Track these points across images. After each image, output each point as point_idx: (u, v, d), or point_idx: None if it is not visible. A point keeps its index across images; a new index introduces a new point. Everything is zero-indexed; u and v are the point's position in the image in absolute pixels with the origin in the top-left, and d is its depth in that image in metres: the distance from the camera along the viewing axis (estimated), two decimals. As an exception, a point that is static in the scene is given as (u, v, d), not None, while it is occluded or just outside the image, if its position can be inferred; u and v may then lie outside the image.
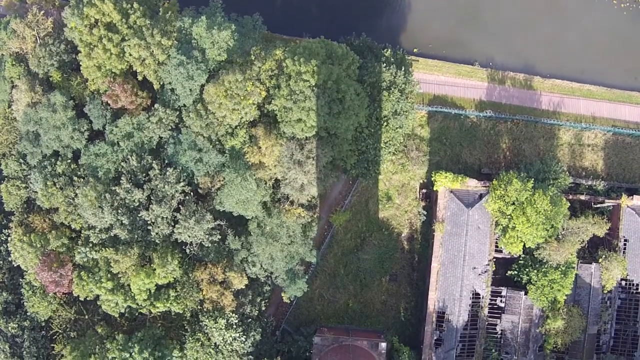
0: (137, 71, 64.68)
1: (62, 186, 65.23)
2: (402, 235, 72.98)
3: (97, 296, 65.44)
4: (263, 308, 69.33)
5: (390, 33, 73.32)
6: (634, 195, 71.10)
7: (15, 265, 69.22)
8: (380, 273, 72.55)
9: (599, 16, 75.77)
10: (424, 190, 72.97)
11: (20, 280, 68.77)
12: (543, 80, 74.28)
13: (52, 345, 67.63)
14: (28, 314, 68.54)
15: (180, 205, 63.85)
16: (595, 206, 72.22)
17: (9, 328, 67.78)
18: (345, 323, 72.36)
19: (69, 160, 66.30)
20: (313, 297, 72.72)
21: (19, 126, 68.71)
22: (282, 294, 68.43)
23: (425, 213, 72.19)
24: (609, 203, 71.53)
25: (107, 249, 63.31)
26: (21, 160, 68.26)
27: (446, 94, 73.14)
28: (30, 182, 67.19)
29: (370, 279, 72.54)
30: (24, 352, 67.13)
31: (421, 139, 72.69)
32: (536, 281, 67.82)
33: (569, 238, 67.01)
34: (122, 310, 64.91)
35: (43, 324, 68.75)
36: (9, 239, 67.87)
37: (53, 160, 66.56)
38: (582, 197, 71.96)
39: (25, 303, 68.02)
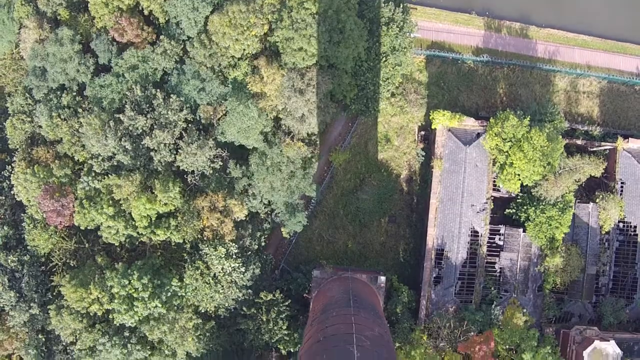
0: (143, 7, 66.61)
1: (67, 117, 66.46)
2: (401, 177, 73.81)
3: (98, 227, 65.96)
4: (263, 243, 69.69)
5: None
6: (630, 138, 72.17)
7: (17, 202, 70.03)
8: (379, 214, 73.10)
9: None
10: (422, 133, 74.06)
11: (22, 215, 69.30)
12: (538, 29, 76.06)
13: (51, 279, 67.68)
14: (28, 248, 68.87)
15: (183, 132, 64.88)
16: (591, 150, 73.13)
17: (9, 261, 67.88)
18: (344, 264, 72.51)
19: (74, 94, 67.68)
20: (312, 237, 73.15)
21: (26, 63, 70.46)
22: (282, 229, 68.89)
23: (424, 154, 73.14)
24: (605, 146, 72.48)
25: (109, 175, 64.17)
26: (27, 95, 69.63)
27: (444, 40, 74.88)
28: (36, 116, 68.40)
29: (370, 220, 73.06)
30: (23, 285, 67.15)
31: (419, 83, 74.11)
32: (534, 218, 68.27)
33: (565, 175, 67.76)
34: (122, 239, 65.16)
35: (43, 259, 68.93)
36: (12, 173, 68.78)
37: (58, 93, 67.93)
38: (579, 142, 73.02)
39: (25, 236, 68.38)
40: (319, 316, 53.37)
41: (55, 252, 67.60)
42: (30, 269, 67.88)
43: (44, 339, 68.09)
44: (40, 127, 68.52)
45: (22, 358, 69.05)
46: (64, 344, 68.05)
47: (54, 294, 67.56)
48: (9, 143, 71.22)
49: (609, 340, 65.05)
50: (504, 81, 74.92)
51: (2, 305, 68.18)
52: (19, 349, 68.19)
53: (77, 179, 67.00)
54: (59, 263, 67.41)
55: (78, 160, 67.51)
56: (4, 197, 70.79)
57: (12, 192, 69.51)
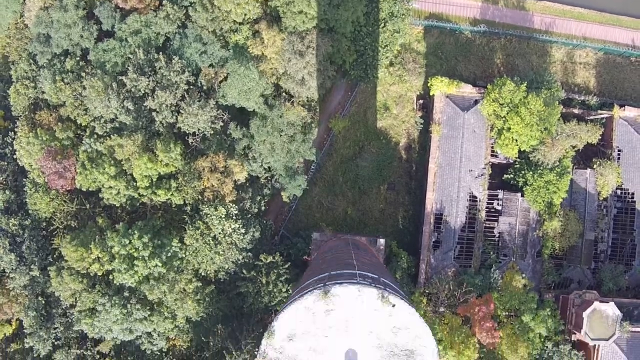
0: (147, -27, 67.98)
1: (70, 81, 67.37)
2: (400, 144, 74.49)
3: (99, 189, 66.50)
4: (263, 208, 70.09)
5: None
6: (626, 107, 73.01)
7: (19, 168, 70.68)
8: (378, 181, 73.64)
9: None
10: (421, 101, 74.90)
11: (24, 180, 69.84)
12: (535, 1, 77.27)
13: (52, 242, 67.97)
14: (30, 212, 69.27)
15: (185, 93, 65.72)
16: (588, 118, 73.89)
17: (10, 225, 68.24)
18: (344, 230, 72.75)
19: (78, 58, 68.70)
20: (312, 204, 73.60)
21: (30, 32, 71.64)
22: (282, 193, 69.37)
23: (422, 122, 73.90)
24: (601, 114, 73.25)
25: (111, 137, 64.88)
26: (31, 61, 70.66)
27: (442, 12, 76.00)
28: (39, 82, 69.34)
29: (369, 187, 73.58)
30: (24, 249, 67.45)
31: (418, 53, 75.13)
32: (532, 182, 68.81)
33: (563, 139, 68.46)
34: (123, 200, 65.60)
35: (44, 224, 69.31)
36: (15, 138, 69.47)
37: (62, 58, 68.95)
38: (575, 111, 73.84)
39: (27, 201, 68.86)
40: (318, 255, 53.68)
41: (57, 215, 67.97)
42: (32, 233, 68.26)
43: (43, 302, 68.24)
44: (43, 92, 69.43)
45: (22, 322, 69.10)
46: (63, 307, 68.20)
47: (55, 256, 67.87)
48: (12, 110, 72.08)
49: (608, 302, 65.22)
50: (501, 51, 75.99)
51: (2, 268, 68.48)
52: (19, 312, 68.27)
53: (79, 142, 67.73)
54: (60, 226, 67.78)
55: (80, 124, 68.31)
56: (6, 163, 71.41)
57: (14, 157, 70.20)
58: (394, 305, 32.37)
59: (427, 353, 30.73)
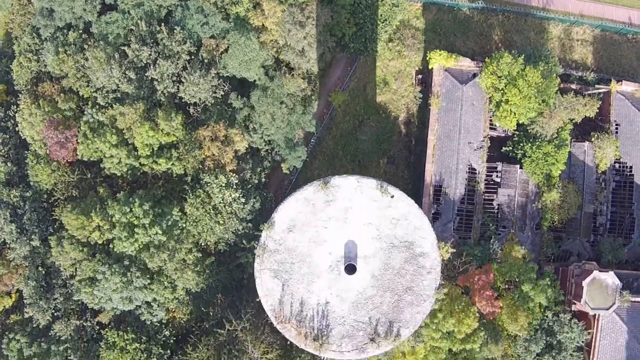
0: (149, -52, 68.99)
1: (73, 53, 68.08)
2: (399, 119, 75.05)
3: (100, 160, 66.92)
4: (263, 180, 70.46)
5: None
6: (623, 81, 73.64)
7: (21, 141, 71.11)
8: (378, 154, 74.08)
9: None
10: (420, 76, 75.60)
11: (26, 152, 70.26)
12: (531, -20, 78.40)
13: (52, 213, 68.22)
14: (31, 184, 69.63)
15: (186, 64, 66.40)
16: (586, 93, 74.47)
17: (11, 196, 68.54)
18: (343, 204, 73.03)
19: (81, 31, 69.52)
20: (312, 178, 73.56)
21: (33, 7, 72.51)
22: (282, 165, 69.78)
23: (421, 97, 74.51)
24: (599, 89, 73.84)
25: (113, 106, 65.43)
26: (34, 34, 71.47)
27: (440, -10, 77.03)
28: (42, 55, 70.08)
29: (369, 161, 74.01)
30: (25, 220, 67.66)
31: (416, 29, 75.99)
32: (530, 154, 69.31)
33: (561, 110, 69.03)
34: (125, 170, 65.95)
35: (45, 196, 69.58)
36: (17, 111, 69.98)
37: (65, 31, 69.77)
38: (573, 86, 74.46)
39: (29, 172, 69.24)
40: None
41: (58, 186, 68.26)
42: (33, 204, 68.52)
43: (43, 273, 68.33)
44: (45, 65, 70.14)
45: (22, 294, 69.07)
46: (63, 278, 68.27)
47: (55, 227, 68.08)
48: (15, 85, 72.71)
49: (608, 272, 65.24)
50: (499, 28, 76.83)
51: (2, 239, 68.65)
52: (19, 283, 68.27)
53: (81, 114, 68.27)
54: (61, 197, 68.05)
55: (83, 96, 68.93)
56: (8, 136, 71.86)
57: (16, 130, 70.64)
58: (392, 196, 32.23)
59: (427, 244, 30.47)
